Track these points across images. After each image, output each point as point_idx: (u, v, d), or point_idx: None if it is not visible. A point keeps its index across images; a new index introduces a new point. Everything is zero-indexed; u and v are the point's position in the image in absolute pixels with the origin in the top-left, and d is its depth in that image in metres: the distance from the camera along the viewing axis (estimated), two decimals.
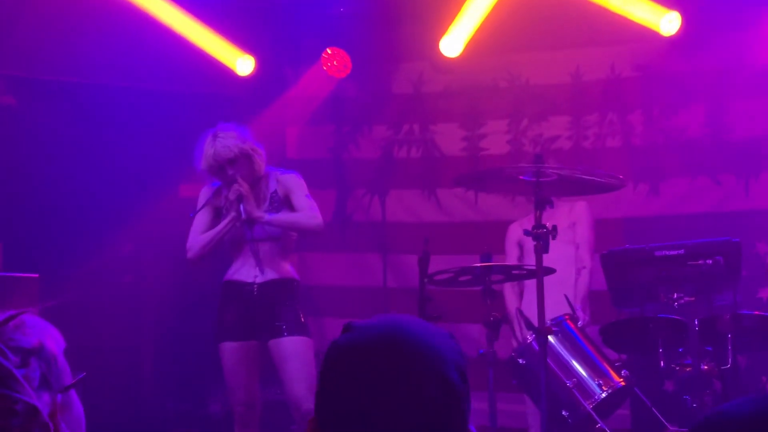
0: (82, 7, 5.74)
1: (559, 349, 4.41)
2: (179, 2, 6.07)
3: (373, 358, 1.32)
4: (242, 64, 6.37)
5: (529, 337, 4.39)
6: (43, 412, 1.44)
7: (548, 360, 4.26)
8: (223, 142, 4.51)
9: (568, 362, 4.38)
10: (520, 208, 5.75)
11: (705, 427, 1.50)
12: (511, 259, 5.46)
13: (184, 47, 6.18)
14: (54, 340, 1.60)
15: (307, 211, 4.60)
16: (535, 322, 4.01)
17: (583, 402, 4.23)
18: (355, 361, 1.34)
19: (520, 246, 5.48)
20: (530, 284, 5.29)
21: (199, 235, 4.66)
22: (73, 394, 1.60)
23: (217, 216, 4.68)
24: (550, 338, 4.38)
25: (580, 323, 4.62)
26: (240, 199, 4.50)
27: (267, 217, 4.54)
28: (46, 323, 1.59)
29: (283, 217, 4.60)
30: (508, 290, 5.51)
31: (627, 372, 4.36)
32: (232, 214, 4.54)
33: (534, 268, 4.04)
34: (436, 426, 1.30)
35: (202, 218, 4.69)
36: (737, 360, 5.63)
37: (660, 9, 5.84)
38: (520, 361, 4.43)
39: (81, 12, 5.73)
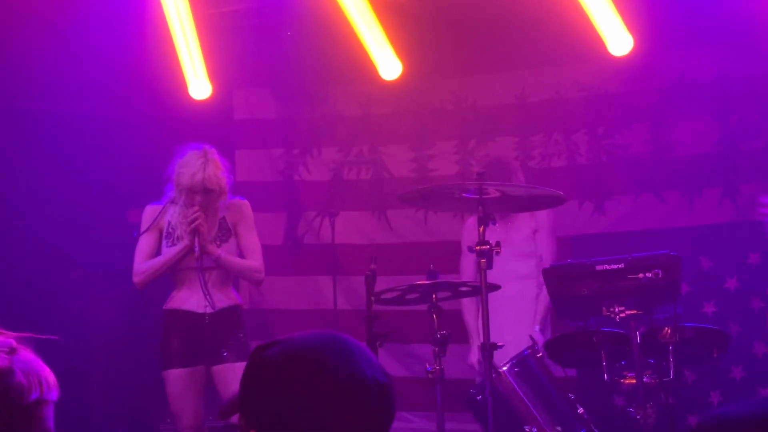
0: (28, 27, 5.71)
1: (522, 391, 4.39)
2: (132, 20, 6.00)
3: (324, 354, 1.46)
4: (197, 88, 6.15)
5: (504, 367, 4.38)
6: None
7: (518, 396, 4.30)
8: (214, 170, 4.55)
9: (528, 406, 4.36)
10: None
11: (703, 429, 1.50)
12: (468, 262, 5.36)
13: (132, 71, 6.14)
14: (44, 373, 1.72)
15: (254, 263, 4.69)
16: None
17: None
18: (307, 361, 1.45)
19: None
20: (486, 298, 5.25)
21: (145, 259, 4.64)
22: None
23: (161, 236, 4.67)
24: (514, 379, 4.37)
25: (539, 355, 4.59)
26: (196, 232, 4.52)
27: (219, 253, 4.58)
28: (41, 363, 1.67)
29: (233, 261, 4.66)
30: (467, 304, 5.44)
31: (583, 410, 4.38)
32: (185, 243, 4.55)
33: (478, 285, 4.07)
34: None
35: (147, 240, 4.67)
36: (684, 374, 5.71)
37: (614, 30, 5.64)
38: (479, 398, 4.37)
39: (27, 33, 5.70)
